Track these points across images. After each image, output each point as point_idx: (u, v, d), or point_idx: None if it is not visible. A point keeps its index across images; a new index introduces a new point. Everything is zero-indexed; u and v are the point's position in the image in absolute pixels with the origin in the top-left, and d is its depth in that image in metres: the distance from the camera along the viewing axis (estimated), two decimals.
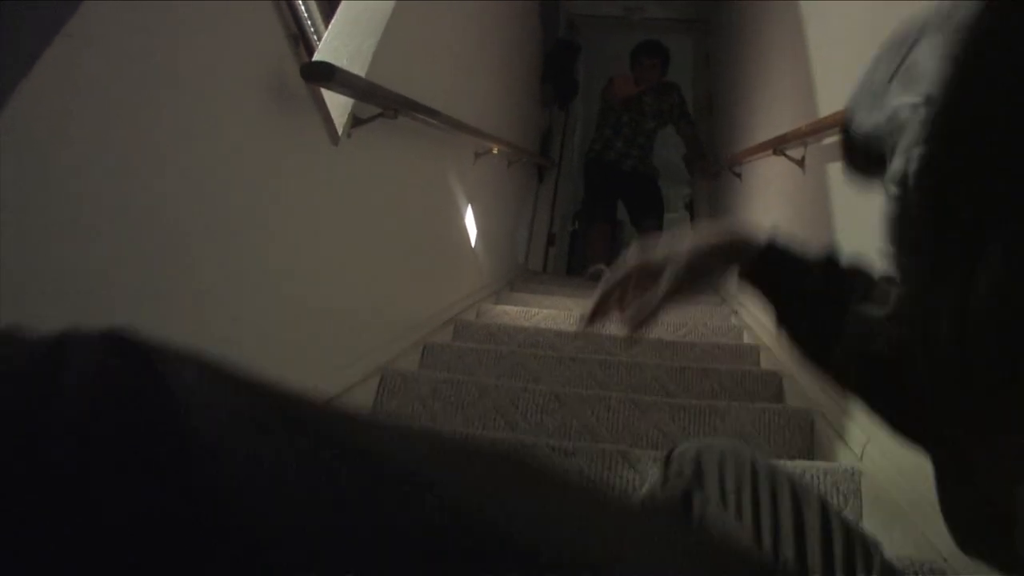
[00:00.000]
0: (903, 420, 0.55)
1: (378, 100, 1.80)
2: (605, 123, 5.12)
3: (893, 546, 1.25)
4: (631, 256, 0.73)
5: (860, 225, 1.89)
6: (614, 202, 5.28)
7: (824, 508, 0.73)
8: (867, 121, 0.51)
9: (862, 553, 0.70)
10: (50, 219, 0.88)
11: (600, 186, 5.17)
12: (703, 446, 0.80)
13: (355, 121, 1.78)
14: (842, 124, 0.56)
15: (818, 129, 2.13)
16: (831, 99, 2.19)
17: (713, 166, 5.11)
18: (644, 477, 1.54)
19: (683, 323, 3.26)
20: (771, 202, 3.16)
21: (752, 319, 3.24)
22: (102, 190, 0.95)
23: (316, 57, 1.56)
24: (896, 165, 0.44)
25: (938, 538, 1.22)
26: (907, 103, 0.45)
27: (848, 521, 0.74)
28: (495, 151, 3.56)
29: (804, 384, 2.16)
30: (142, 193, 1.03)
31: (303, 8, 1.62)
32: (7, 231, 0.80)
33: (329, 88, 1.56)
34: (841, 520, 0.74)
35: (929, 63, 0.43)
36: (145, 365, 0.32)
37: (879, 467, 1.55)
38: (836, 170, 2.16)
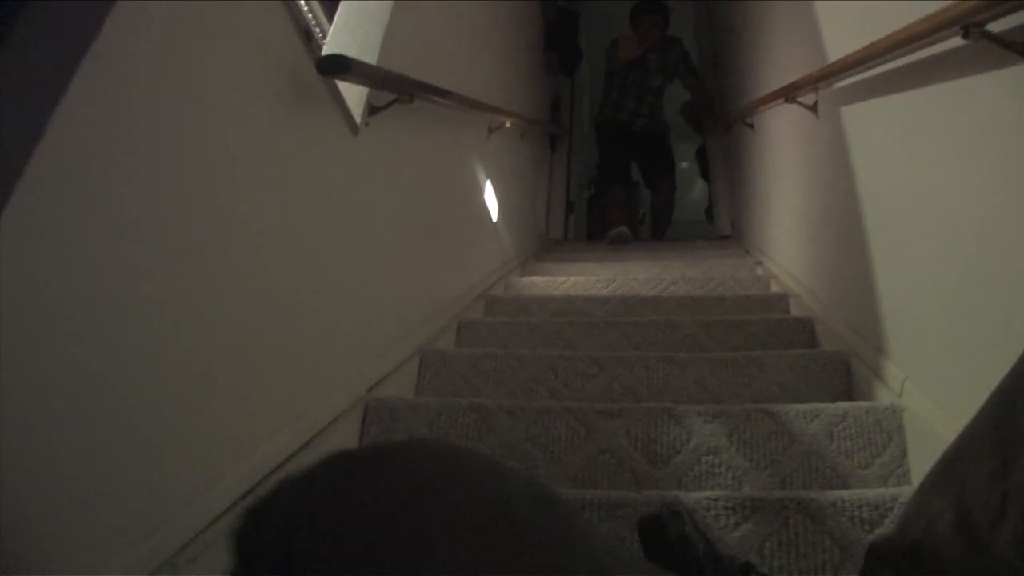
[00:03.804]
0: None
1: (393, 86, 1.82)
2: (612, 85, 5.10)
3: None
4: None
5: (878, 167, 1.90)
6: (628, 164, 5.27)
7: None
8: None
9: None
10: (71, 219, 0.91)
11: (613, 149, 5.16)
12: None
13: (371, 109, 1.80)
14: None
15: (828, 74, 2.12)
16: (840, 43, 2.18)
17: (721, 118, 5.09)
18: (690, 432, 1.57)
19: (710, 278, 3.27)
20: (787, 150, 3.15)
21: (778, 269, 3.25)
22: (122, 193, 0.97)
23: (326, 51, 1.57)
24: None
25: None
26: None
27: None
28: (508, 124, 3.57)
29: (836, 327, 2.18)
30: (163, 198, 1.05)
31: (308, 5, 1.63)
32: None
33: (345, 80, 1.58)
34: None
35: None
36: None
37: (919, 402, 1.57)
38: (850, 113, 2.15)
